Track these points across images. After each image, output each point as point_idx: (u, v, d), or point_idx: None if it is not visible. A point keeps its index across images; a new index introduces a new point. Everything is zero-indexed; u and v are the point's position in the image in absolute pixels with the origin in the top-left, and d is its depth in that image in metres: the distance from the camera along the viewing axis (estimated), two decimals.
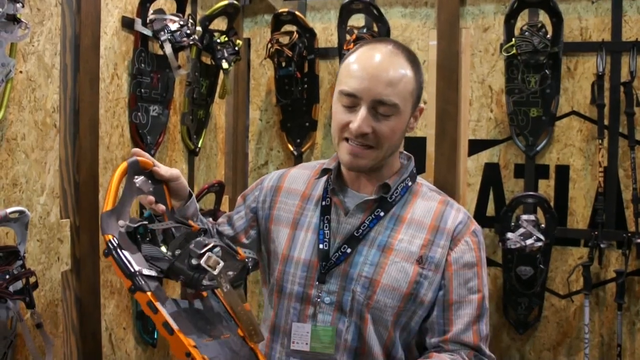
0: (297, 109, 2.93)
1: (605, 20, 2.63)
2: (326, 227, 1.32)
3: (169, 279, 1.16)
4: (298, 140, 2.98)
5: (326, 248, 1.30)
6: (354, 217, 1.31)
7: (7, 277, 1.62)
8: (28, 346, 1.72)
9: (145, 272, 1.09)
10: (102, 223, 1.12)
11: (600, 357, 2.67)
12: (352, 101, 1.23)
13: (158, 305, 1.06)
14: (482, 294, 1.30)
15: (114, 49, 2.20)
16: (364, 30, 2.75)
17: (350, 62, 1.27)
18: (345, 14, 2.72)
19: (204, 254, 1.09)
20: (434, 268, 1.27)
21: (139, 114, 2.29)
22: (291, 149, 2.98)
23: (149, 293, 1.06)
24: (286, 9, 2.80)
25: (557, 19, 2.56)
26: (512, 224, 2.63)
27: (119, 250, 1.09)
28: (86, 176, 2.03)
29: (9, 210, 1.66)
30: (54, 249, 1.94)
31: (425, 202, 1.34)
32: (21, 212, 1.70)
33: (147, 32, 2.27)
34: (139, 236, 1.18)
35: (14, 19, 1.65)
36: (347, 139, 1.25)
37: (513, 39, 2.57)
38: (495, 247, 2.77)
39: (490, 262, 2.80)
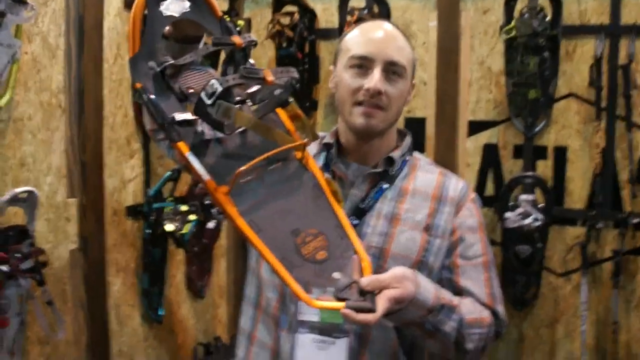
0: (299, 90, 2.94)
1: (604, 3, 2.63)
2: None
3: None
4: None
5: None
6: (358, 189, 1.33)
7: (18, 255, 1.66)
8: (40, 323, 1.76)
9: (179, 117, 1.01)
10: (130, 70, 1.03)
11: (596, 334, 2.72)
12: (365, 64, 1.27)
13: (188, 155, 1.00)
14: (487, 257, 1.36)
15: (116, 29, 2.21)
16: (365, 11, 2.75)
17: (356, 34, 1.32)
18: None
19: (214, 103, 0.98)
20: (440, 234, 1.32)
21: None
22: None
23: (178, 143, 1.00)
24: None
25: (556, 2, 2.57)
26: (511, 203, 2.66)
27: (149, 96, 0.99)
28: (91, 156, 2.06)
29: (18, 190, 1.70)
30: (61, 227, 1.97)
31: (425, 174, 1.38)
32: (30, 192, 1.73)
33: None
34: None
35: (19, 1, 1.66)
36: (358, 104, 1.28)
37: (513, 22, 2.58)
38: (494, 226, 2.81)
39: (489, 241, 2.83)
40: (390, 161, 1.34)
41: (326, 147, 1.39)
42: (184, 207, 2.36)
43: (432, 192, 1.35)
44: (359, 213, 1.31)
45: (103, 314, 2.14)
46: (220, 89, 0.97)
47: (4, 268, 1.63)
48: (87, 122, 2.03)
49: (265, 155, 1.04)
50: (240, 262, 3.14)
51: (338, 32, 2.80)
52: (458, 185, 1.37)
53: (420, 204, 1.33)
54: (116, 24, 2.21)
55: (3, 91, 1.71)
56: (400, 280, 1.07)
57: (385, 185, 1.33)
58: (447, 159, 2.71)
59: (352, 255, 1.04)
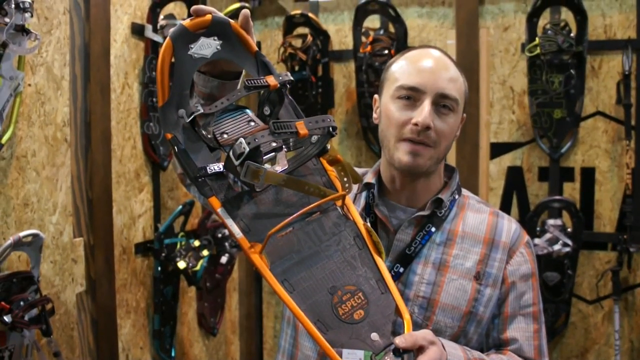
0: (312, 114, 2.82)
1: (630, 17, 2.54)
2: None
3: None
4: None
5: None
6: (404, 234, 1.22)
7: (22, 304, 1.53)
8: None
9: (213, 168, 0.97)
10: (160, 119, 1.02)
11: None
12: (414, 96, 1.18)
13: (220, 212, 0.95)
14: (537, 307, 1.25)
15: (124, 57, 2.11)
16: (381, 32, 2.65)
17: (405, 63, 1.22)
18: (360, 15, 2.62)
19: (242, 163, 0.92)
20: (491, 283, 1.21)
21: (151, 124, 2.20)
22: None
23: (210, 199, 0.95)
24: (299, 11, 2.70)
25: (581, 17, 2.47)
26: (538, 229, 2.54)
27: (180, 148, 0.96)
28: (99, 192, 1.95)
29: (22, 234, 1.57)
30: (68, 269, 1.84)
31: (475, 215, 1.27)
32: (35, 235, 1.61)
33: (158, 38, 2.17)
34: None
35: (22, 30, 1.55)
36: (404, 139, 1.18)
37: (537, 39, 2.48)
38: None
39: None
40: (439, 202, 1.23)
41: (367, 186, 1.27)
42: (196, 242, 2.23)
43: (483, 235, 1.24)
44: (404, 260, 1.20)
45: (113, 359, 2.00)
46: (247, 149, 0.92)
47: (7, 319, 1.50)
48: (94, 156, 1.92)
49: (299, 213, 0.97)
50: (253, 296, 3.01)
51: (352, 54, 2.70)
52: (511, 227, 1.27)
53: (470, 249, 1.22)
54: (123, 52, 2.10)
55: (5, 126, 1.59)
56: (432, 340, 0.99)
57: (432, 229, 1.22)
58: (469, 183, 2.60)
59: (392, 313, 0.97)
